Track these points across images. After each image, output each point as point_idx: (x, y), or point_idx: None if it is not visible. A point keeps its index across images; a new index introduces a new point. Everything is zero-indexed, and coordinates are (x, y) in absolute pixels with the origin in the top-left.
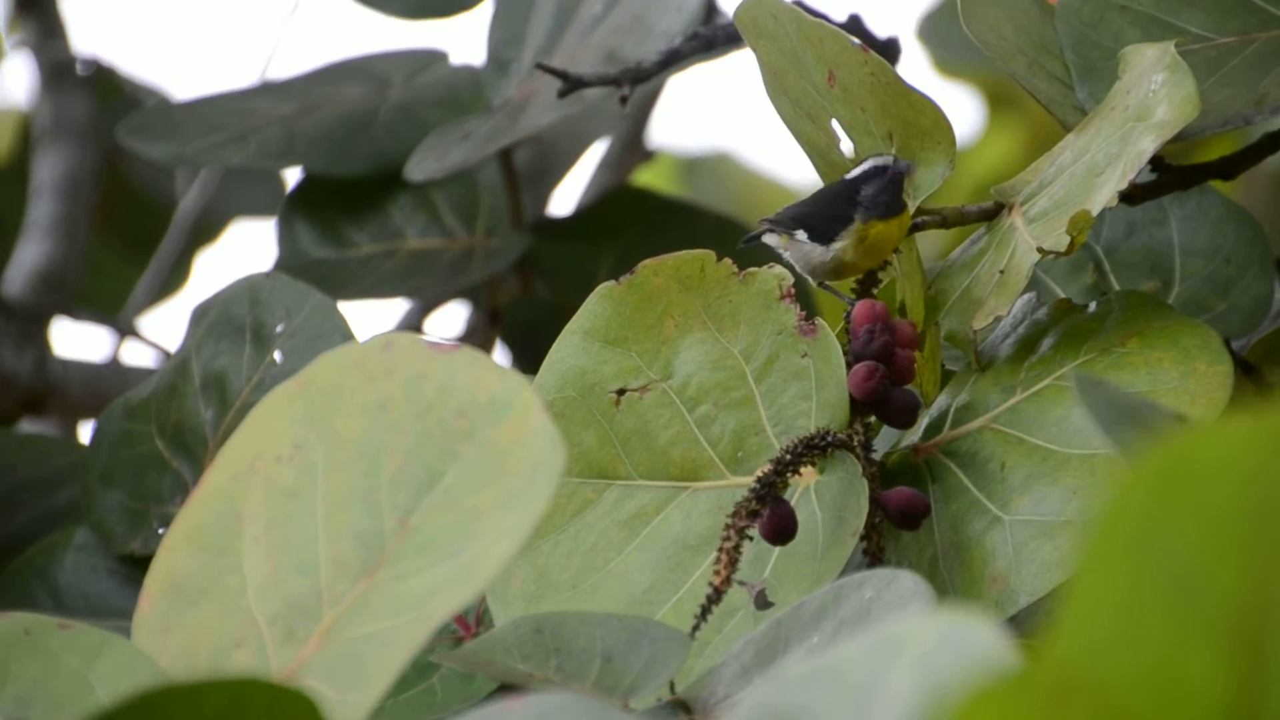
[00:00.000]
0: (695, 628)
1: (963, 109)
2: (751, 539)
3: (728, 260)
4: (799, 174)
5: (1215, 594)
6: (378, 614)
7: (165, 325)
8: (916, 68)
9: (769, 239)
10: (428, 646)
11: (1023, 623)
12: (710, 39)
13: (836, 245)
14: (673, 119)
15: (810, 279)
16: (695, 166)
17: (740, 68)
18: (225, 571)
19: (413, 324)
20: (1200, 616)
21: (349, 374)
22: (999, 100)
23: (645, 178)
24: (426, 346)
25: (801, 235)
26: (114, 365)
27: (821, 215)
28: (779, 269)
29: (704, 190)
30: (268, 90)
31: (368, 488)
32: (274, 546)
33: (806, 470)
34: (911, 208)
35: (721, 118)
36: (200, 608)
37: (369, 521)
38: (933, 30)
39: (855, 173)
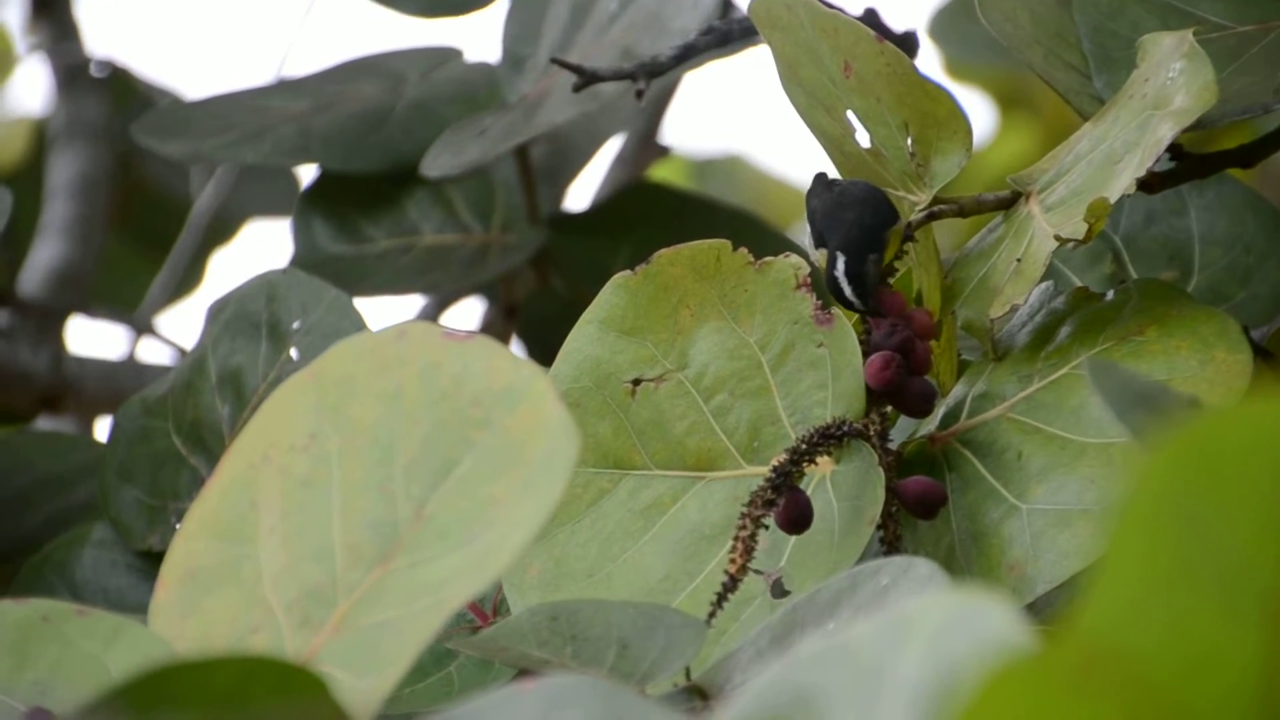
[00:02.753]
0: (711, 615)
1: (974, 112)
2: (767, 528)
3: (744, 250)
4: (811, 176)
5: (1245, 569)
6: (392, 601)
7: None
8: (928, 68)
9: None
10: (445, 634)
11: (1040, 611)
12: (725, 33)
13: (816, 256)
14: (685, 121)
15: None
16: (707, 168)
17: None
18: (241, 559)
19: (429, 319)
20: (1230, 593)
21: (363, 363)
22: (1010, 102)
23: (658, 177)
24: (440, 335)
25: (808, 227)
26: (130, 363)
27: (816, 222)
28: (795, 258)
29: (715, 192)
30: (283, 88)
31: (382, 476)
32: (289, 535)
33: (823, 460)
34: (927, 198)
35: (733, 120)
36: (216, 595)
37: (383, 510)
38: (944, 28)
39: (834, 224)
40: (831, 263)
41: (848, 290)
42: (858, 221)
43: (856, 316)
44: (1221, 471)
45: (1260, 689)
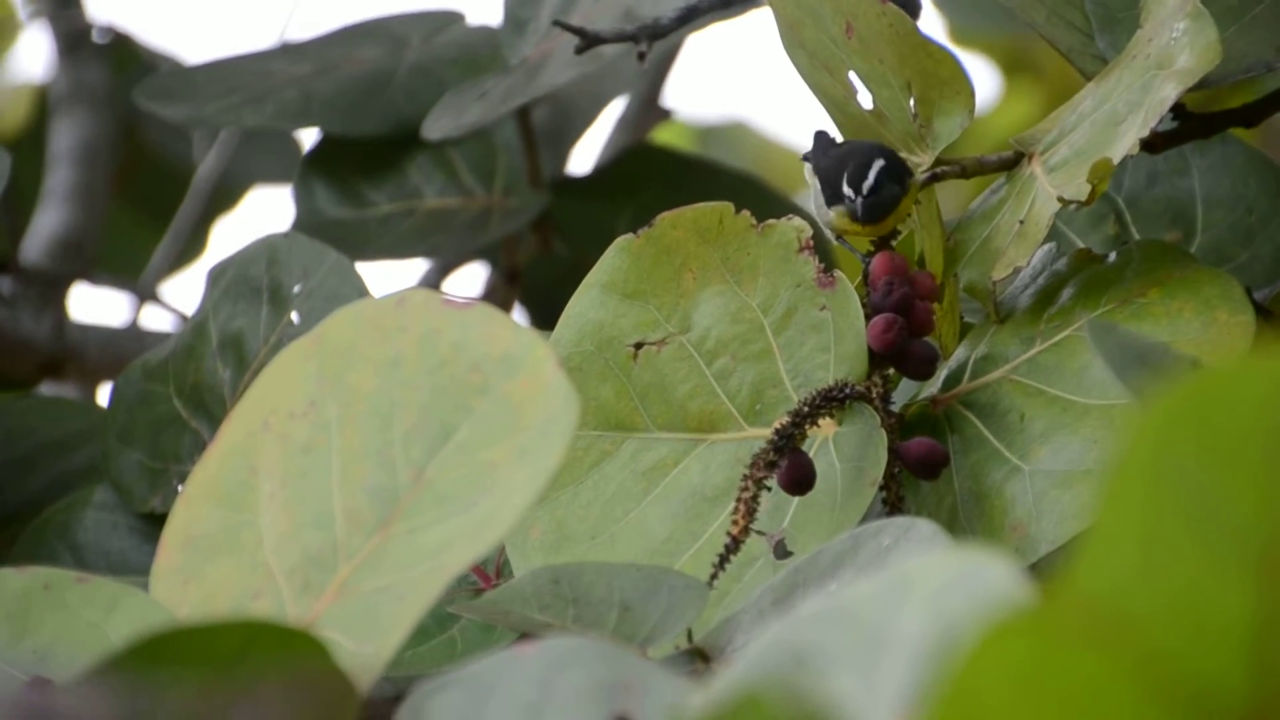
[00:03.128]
0: (713, 576)
1: (978, 78)
2: (770, 489)
3: (746, 213)
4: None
5: (1240, 524)
6: (393, 567)
7: (184, 291)
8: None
9: (806, 170)
10: (447, 598)
11: (1043, 571)
12: None
13: (831, 216)
14: (688, 87)
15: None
16: (710, 134)
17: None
18: (242, 526)
19: (431, 284)
20: (1226, 547)
21: (362, 330)
22: (1014, 68)
23: (661, 141)
24: (440, 302)
25: (816, 183)
26: (132, 329)
27: (831, 179)
28: (798, 221)
29: (718, 157)
30: (284, 52)
31: (382, 443)
32: (289, 501)
33: (825, 422)
34: (930, 160)
35: (736, 86)
36: (217, 561)
37: (383, 476)
38: None
39: (855, 151)
40: (848, 176)
41: (860, 200)
42: (885, 155)
43: (859, 279)
44: (1218, 428)
45: (1254, 642)
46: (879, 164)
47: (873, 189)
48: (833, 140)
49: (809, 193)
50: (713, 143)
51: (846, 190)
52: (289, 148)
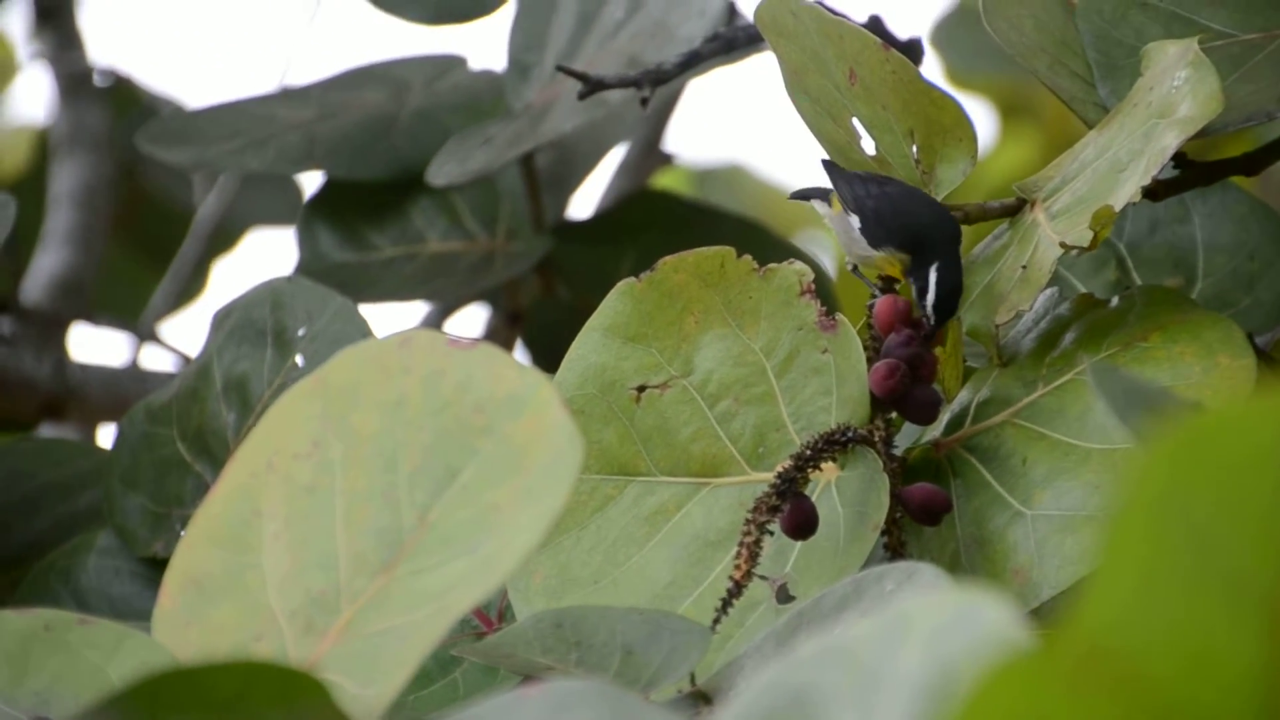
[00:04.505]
0: (716, 621)
1: (976, 120)
2: (772, 534)
3: (748, 257)
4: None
5: (1243, 568)
6: (396, 609)
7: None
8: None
9: (818, 204)
10: (450, 641)
11: (1045, 616)
12: (730, 40)
13: (876, 255)
14: (687, 131)
15: (844, 250)
16: (709, 178)
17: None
18: (245, 567)
19: (434, 326)
20: (1229, 592)
21: (366, 371)
22: (1012, 111)
23: (661, 186)
24: (444, 343)
25: (854, 220)
26: (133, 370)
27: (885, 221)
28: (799, 264)
29: (717, 202)
30: (287, 96)
31: (386, 484)
32: (293, 542)
33: (827, 466)
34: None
35: (735, 130)
36: (220, 604)
37: (387, 517)
38: (947, 36)
39: (933, 264)
40: (930, 279)
41: (938, 305)
42: (950, 234)
43: (861, 322)
44: (1221, 472)
45: (1261, 690)
46: (936, 265)
47: (941, 300)
48: (865, 176)
49: (828, 220)
50: (710, 186)
51: (913, 287)
52: (288, 189)
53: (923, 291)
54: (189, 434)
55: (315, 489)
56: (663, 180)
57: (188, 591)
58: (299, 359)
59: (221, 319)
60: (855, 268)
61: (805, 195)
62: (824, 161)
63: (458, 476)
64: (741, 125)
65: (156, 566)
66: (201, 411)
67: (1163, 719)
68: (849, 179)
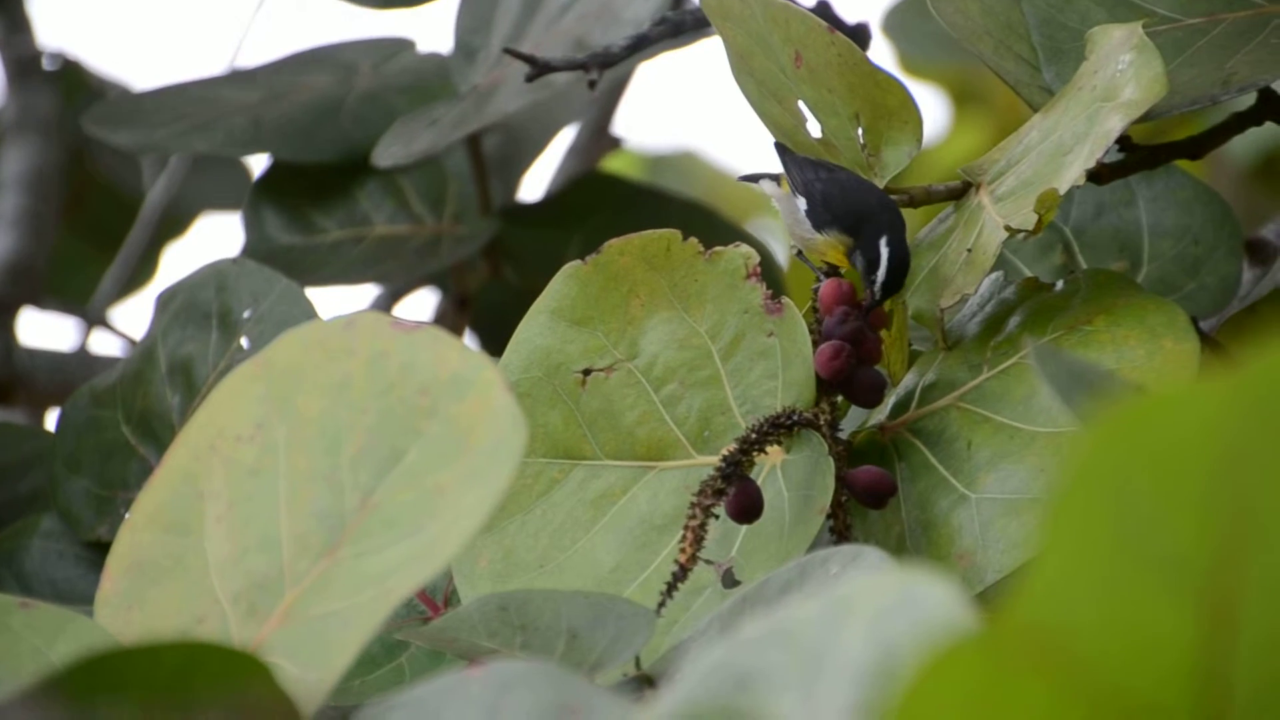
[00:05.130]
0: (661, 604)
1: (928, 108)
2: (717, 517)
3: (694, 240)
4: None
5: (1183, 550)
6: (339, 592)
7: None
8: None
9: (767, 185)
10: (395, 625)
11: (990, 600)
12: (678, 24)
13: (820, 238)
14: (638, 116)
15: (789, 234)
16: (660, 164)
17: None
18: (187, 550)
19: (381, 310)
20: (1169, 572)
21: (310, 353)
22: (964, 98)
23: (611, 169)
24: (388, 325)
25: (801, 203)
26: (81, 354)
27: (832, 205)
28: (745, 248)
29: (669, 187)
30: (234, 79)
31: (329, 466)
32: (236, 525)
33: (773, 449)
34: (879, 186)
35: (687, 116)
36: (163, 586)
37: (330, 500)
38: (898, 25)
39: (882, 237)
40: (880, 250)
41: (887, 279)
42: (894, 220)
43: (807, 305)
44: (1159, 454)
45: (1199, 673)
46: (886, 239)
47: (891, 271)
48: (812, 161)
49: (775, 201)
50: (662, 171)
51: (859, 264)
52: (238, 174)
53: (873, 264)
54: (133, 417)
55: (258, 471)
56: (614, 164)
57: (130, 575)
58: (244, 341)
59: (166, 301)
60: (800, 252)
61: (754, 178)
62: (775, 144)
63: (401, 459)
64: (695, 110)
65: (100, 550)
66: (146, 394)
67: (1101, 701)
68: (799, 163)
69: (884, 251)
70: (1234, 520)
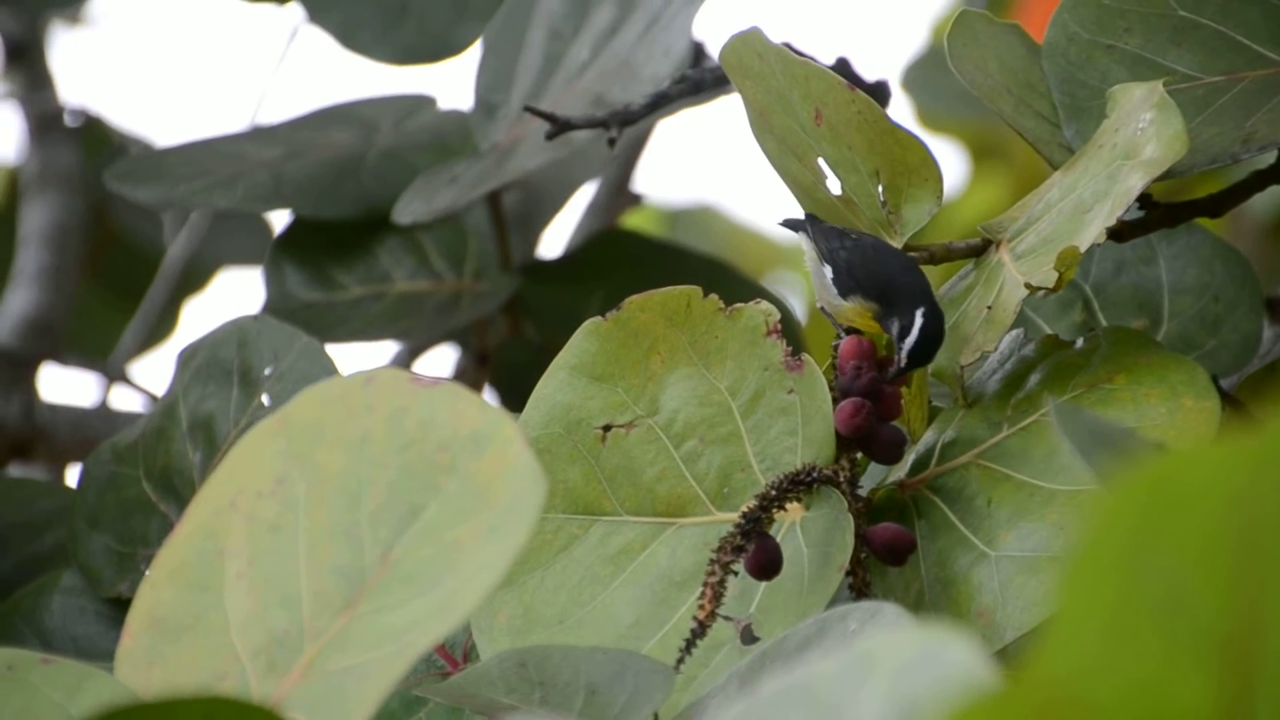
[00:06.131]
0: (680, 661)
1: (947, 162)
2: (736, 574)
3: (714, 296)
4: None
5: (1203, 614)
6: (358, 647)
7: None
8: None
9: (803, 239)
10: (415, 681)
11: (1009, 657)
12: (698, 81)
13: (847, 305)
14: (658, 171)
15: (817, 295)
16: (680, 218)
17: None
18: (207, 606)
19: (403, 367)
20: (1188, 637)
21: (330, 409)
22: (983, 153)
23: (630, 225)
24: (408, 381)
25: (827, 270)
26: (102, 410)
27: (856, 272)
28: (765, 305)
29: (688, 242)
30: (255, 135)
31: (349, 522)
32: (256, 581)
33: (792, 506)
34: (900, 245)
35: (706, 171)
36: (182, 643)
37: (350, 555)
38: (917, 79)
39: (920, 308)
40: (915, 319)
41: (915, 349)
42: (921, 286)
43: (827, 362)
44: (1175, 514)
45: None
46: (923, 310)
47: (921, 341)
48: (837, 230)
49: (807, 258)
50: (682, 227)
51: (893, 330)
52: (259, 229)
53: (905, 330)
54: (154, 473)
55: (279, 527)
56: (634, 220)
57: (151, 631)
58: (265, 398)
59: (188, 358)
60: (824, 308)
61: (795, 226)
62: (807, 215)
63: (420, 514)
64: (714, 165)
65: (121, 607)
66: (167, 451)
67: None
68: (825, 232)
69: (919, 321)
70: (1254, 583)
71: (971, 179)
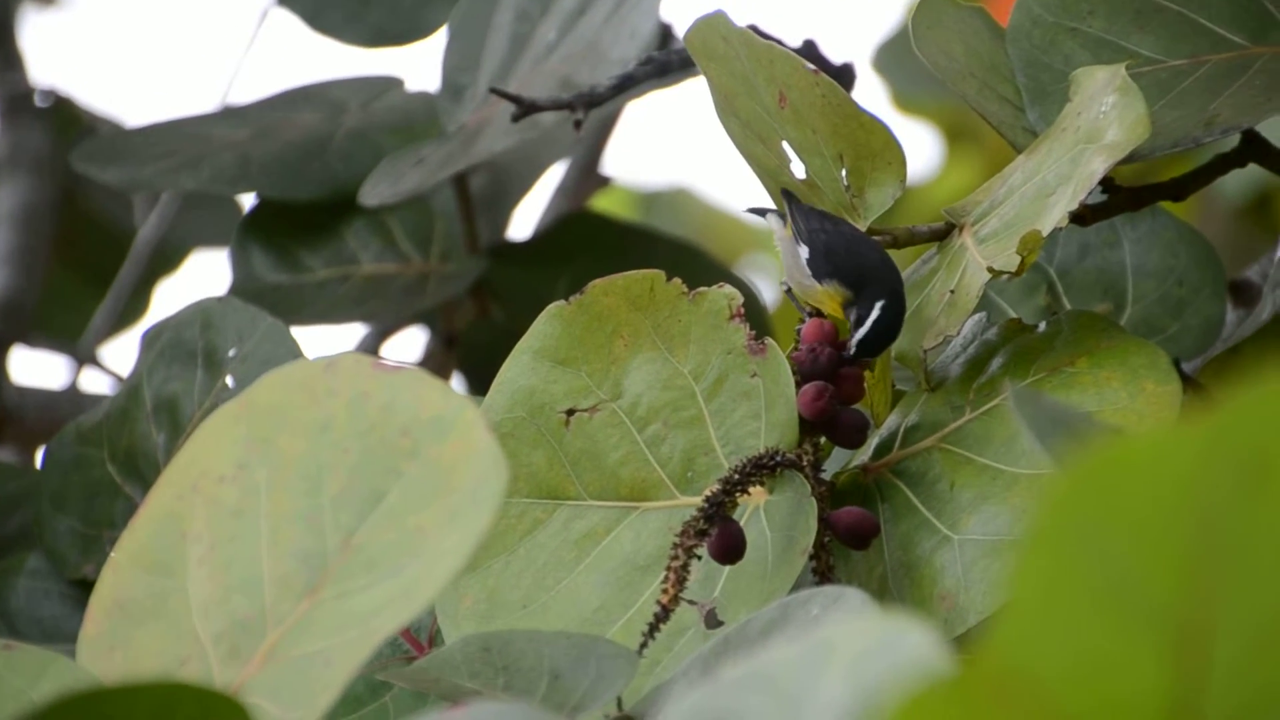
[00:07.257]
0: (643, 645)
1: (921, 144)
2: (700, 558)
3: (677, 280)
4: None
5: (1156, 596)
6: (321, 632)
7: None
8: (874, 102)
9: (773, 220)
10: (379, 665)
11: (973, 641)
12: (664, 64)
13: (819, 288)
14: (632, 153)
15: (786, 274)
16: (653, 200)
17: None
18: (170, 591)
19: (369, 349)
20: (1141, 619)
21: (292, 393)
22: (957, 135)
23: (600, 208)
24: (370, 366)
25: (804, 250)
26: (71, 392)
27: (834, 257)
28: (729, 289)
29: (662, 224)
30: (223, 116)
31: (311, 507)
32: (218, 566)
33: (756, 490)
34: (863, 229)
35: (680, 152)
36: (145, 627)
37: (312, 540)
38: (888, 61)
39: (880, 300)
40: (872, 311)
41: (866, 338)
42: (894, 282)
43: (791, 346)
44: (1138, 499)
45: (1169, 715)
46: (883, 304)
47: (874, 333)
48: (818, 212)
49: (778, 240)
50: (656, 209)
51: (852, 318)
52: (231, 211)
53: (860, 321)
54: (119, 455)
55: (241, 512)
56: (608, 202)
57: (113, 615)
58: (229, 380)
59: (152, 339)
60: (789, 290)
61: (761, 212)
62: (783, 192)
63: (383, 499)
64: (689, 147)
65: (86, 588)
66: (131, 432)
67: None
68: (805, 213)
69: (875, 313)
70: (1209, 566)
71: (946, 161)
